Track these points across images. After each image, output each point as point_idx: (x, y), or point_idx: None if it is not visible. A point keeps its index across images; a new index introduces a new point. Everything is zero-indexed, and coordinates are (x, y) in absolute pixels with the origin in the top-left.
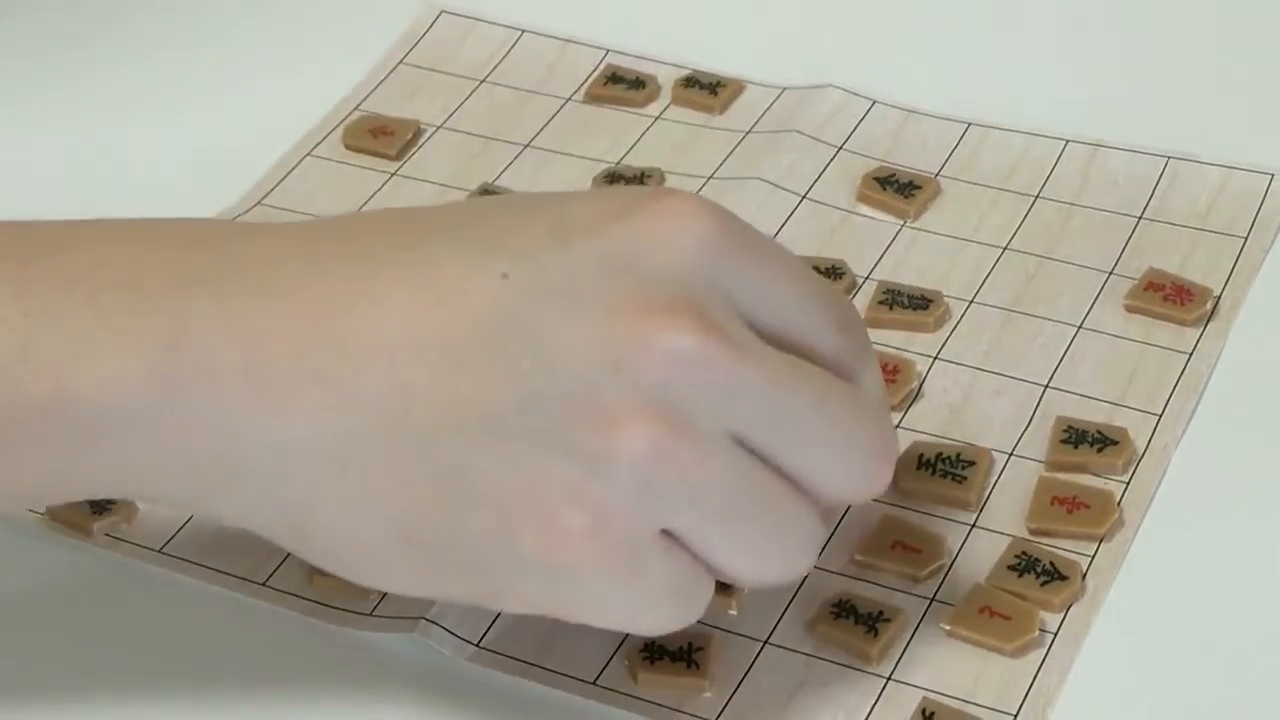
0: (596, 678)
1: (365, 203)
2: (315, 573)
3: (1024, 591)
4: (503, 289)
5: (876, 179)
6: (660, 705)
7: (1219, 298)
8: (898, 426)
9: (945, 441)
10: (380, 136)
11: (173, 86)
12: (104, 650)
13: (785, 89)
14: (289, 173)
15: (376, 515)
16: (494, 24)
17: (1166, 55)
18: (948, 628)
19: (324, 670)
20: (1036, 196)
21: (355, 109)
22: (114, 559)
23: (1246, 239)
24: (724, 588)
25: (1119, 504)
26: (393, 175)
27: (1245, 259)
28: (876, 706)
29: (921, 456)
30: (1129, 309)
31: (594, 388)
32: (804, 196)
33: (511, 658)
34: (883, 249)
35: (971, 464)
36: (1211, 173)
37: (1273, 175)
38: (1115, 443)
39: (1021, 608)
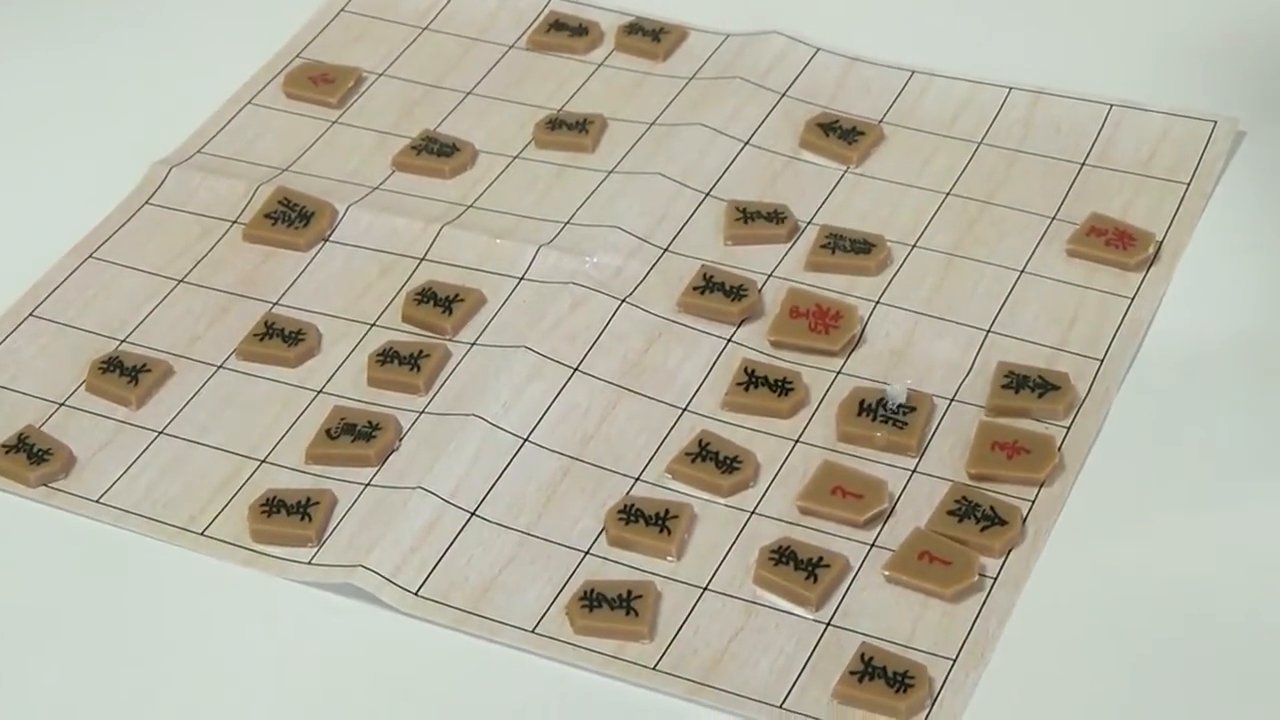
0: (535, 626)
1: (306, 150)
2: (254, 522)
3: (964, 536)
4: None
5: (820, 125)
6: (599, 653)
7: (1161, 243)
8: (840, 372)
9: (887, 387)
10: (321, 84)
11: (112, 36)
12: (42, 601)
13: (729, 35)
14: (229, 120)
15: None
16: None
17: (1110, 3)
18: (887, 573)
19: (262, 619)
20: (979, 143)
21: (296, 57)
22: (50, 510)
23: (1189, 185)
24: (663, 534)
25: (1060, 449)
26: (334, 123)
27: (1187, 205)
28: (816, 652)
29: (863, 402)
30: (1071, 254)
31: None
32: (746, 143)
33: (449, 606)
34: (825, 194)
35: (913, 409)
36: (1155, 120)
37: (1215, 122)
38: (1056, 388)
39: (961, 553)
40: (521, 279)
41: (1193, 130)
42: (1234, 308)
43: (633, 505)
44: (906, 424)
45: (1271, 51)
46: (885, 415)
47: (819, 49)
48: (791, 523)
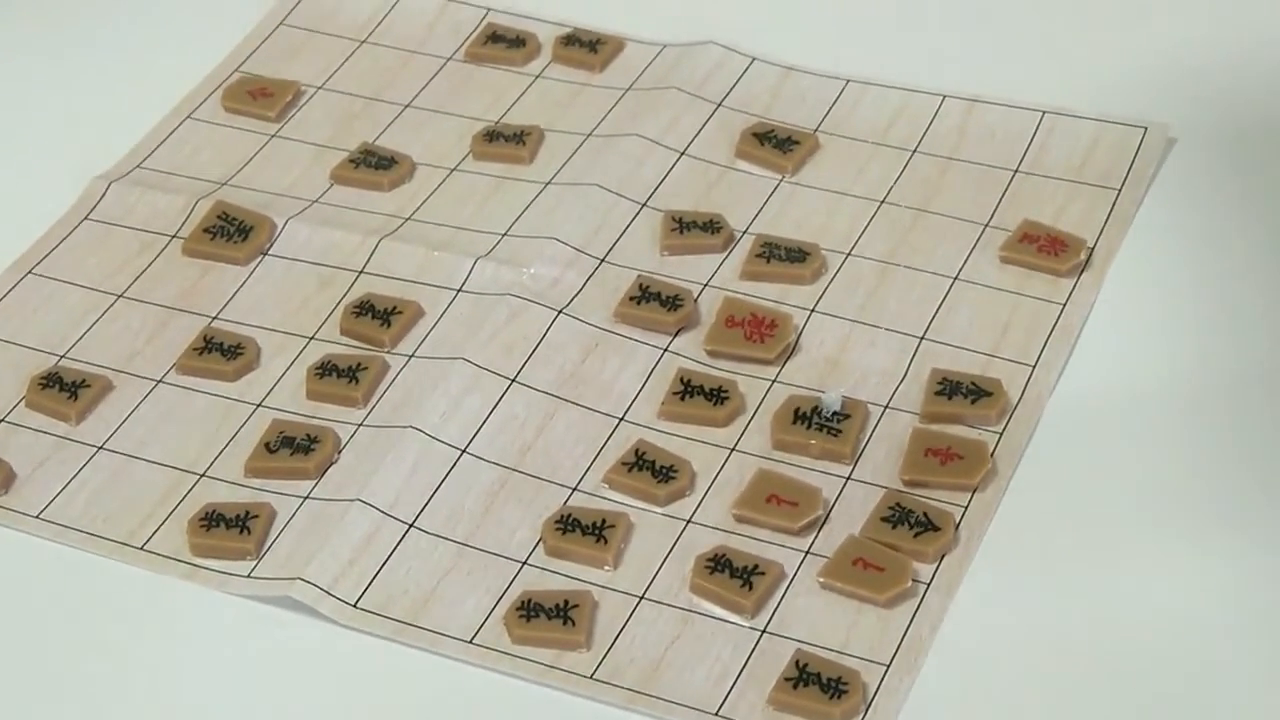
0: (473, 636)
1: (245, 164)
2: (194, 535)
3: (897, 542)
4: None
5: (755, 135)
6: (537, 663)
7: (1093, 249)
8: (775, 380)
9: (821, 394)
10: (260, 98)
11: (49, 50)
12: None
13: (665, 46)
14: (168, 135)
15: None
16: None
17: (1042, 8)
18: (822, 580)
19: (203, 633)
20: (914, 151)
21: (235, 71)
22: None
23: (1120, 191)
24: (600, 544)
25: (992, 454)
26: (272, 136)
27: (1119, 210)
28: (751, 659)
29: (798, 410)
30: (1004, 260)
31: None
32: (683, 153)
33: (388, 617)
34: (761, 203)
35: (847, 417)
36: (1086, 126)
37: (1146, 128)
38: (989, 394)
39: (895, 559)
40: (459, 291)
41: (1124, 136)
42: (1165, 313)
43: (570, 515)
44: (841, 431)
45: (1201, 56)
46: (820, 423)
47: (755, 58)
48: (728, 531)
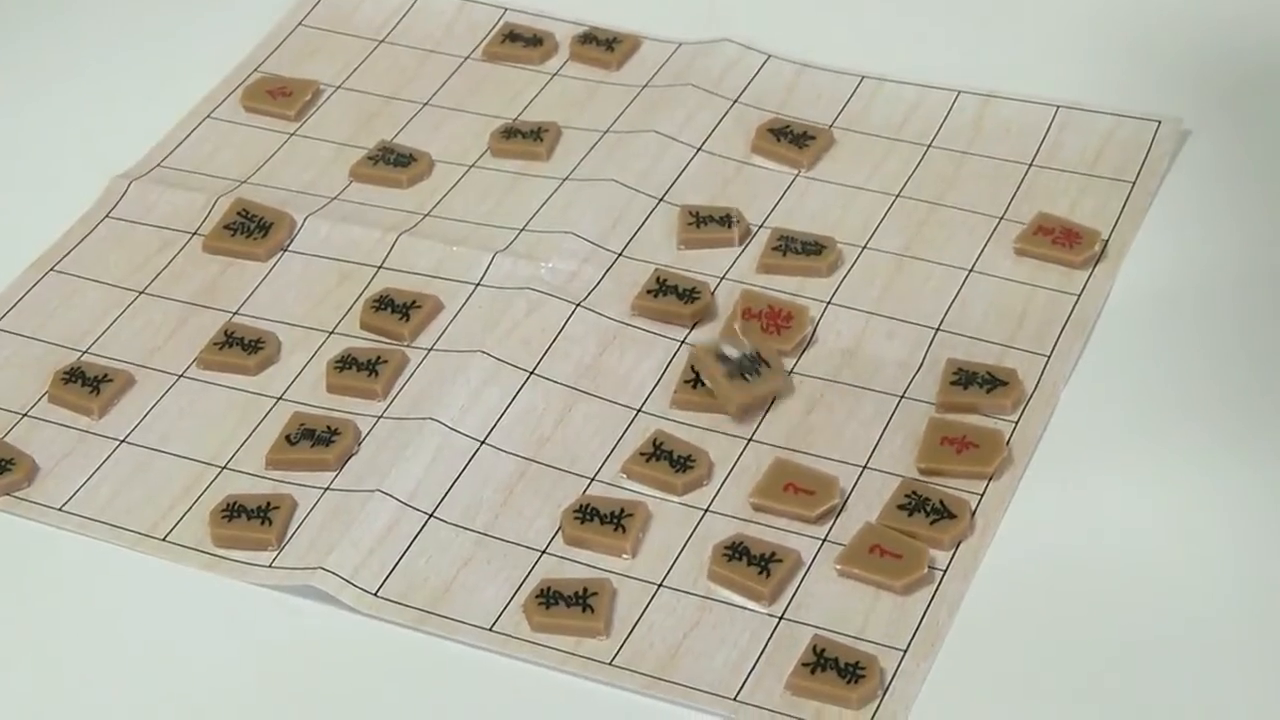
0: (493, 624)
1: (265, 162)
2: (215, 526)
3: (914, 530)
4: None
5: (771, 130)
6: (556, 650)
7: (1107, 241)
8: (791, 372)
9: (838, 385)
10: (279, 97)
11: (70, 51)
12: (7, 609)
13: (681, 44)
14: (189, 134)
15: None
16: None
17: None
18: (839, 567)
19: (225, 622)
20: (929, 146)
21: (254, 70)
22: (14, 519)
23: (1134, 184)
24: (618, 533)
25: (1008, 443)
26: (292, 135)
27: (1132, 203)
28: (769, 645)
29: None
30: (1019, 252)
31: None
32: (699, 148)
33: (408, 606)
34: (777, 198)
35: (760, 359)
36: (1101, 120)
37: (1160, 122)
38: (1004, 383)
39: (911, 546)
40: (478, 285)
41: (1138, 130)
42: (1178, 304)
43: (588, 505)
44: (759, 373)
45: (1215, 50)
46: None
47: (770, 55)
48: (745, 519)
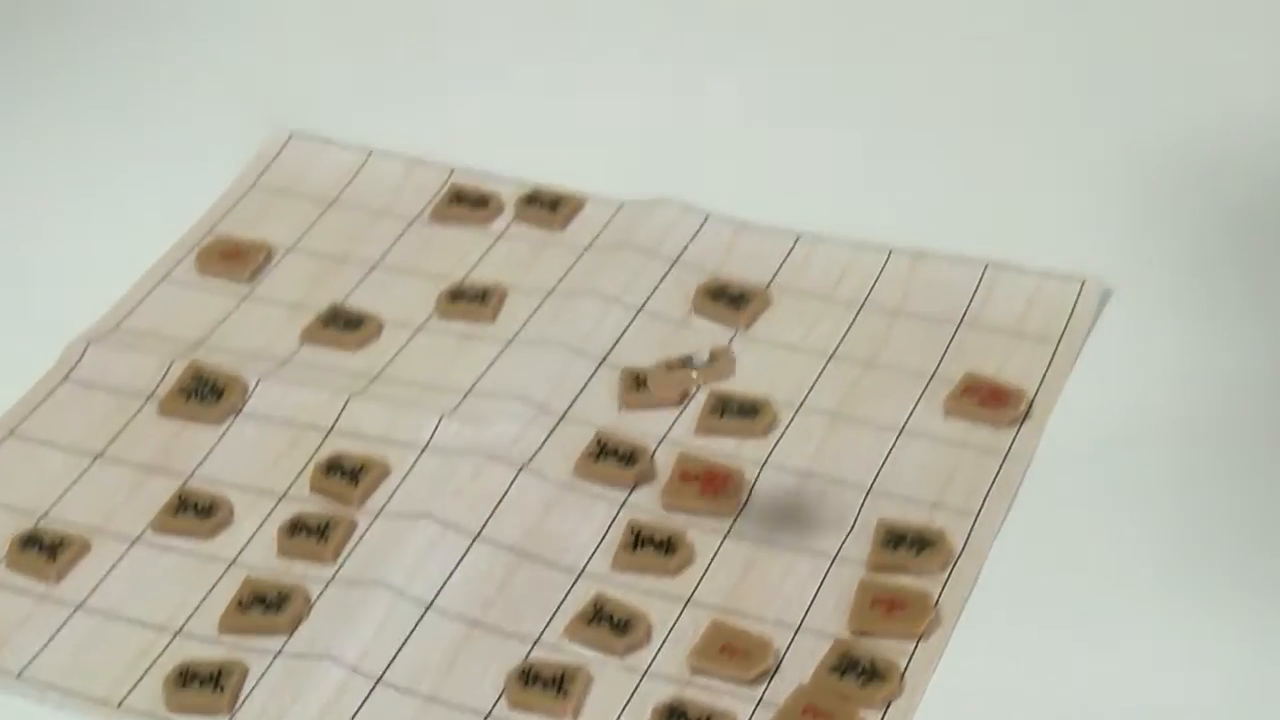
0: None
1: (219, 325)
2: (170, 693)
3: (845, 691)
4: None
5: (709, 291)
6: None
7: (1033, 400)
8: (728, 534)
9: (775, 546)
10: (233, 260)
11: (33, 209)
12: None
13: (624, 203)
14: (145, 297)
15: None
16: (343, 147)
17: (985, 162)
18: None
19: None
20: (861, 305)
21: (209, 232)
22: None
23: (1059, 343)
24: (561, 696)
25: (936, 604)
26: (245, 298)
27: (1057, 363)
28: None
29: None
30: (948, 412)
31: None
32: (640, 309)
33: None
34: None
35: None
36: (1027, 280)
37: (1083, 282)
38: (932, 544)
39: (843, 707)
40: (424, 448)
41: (1061, 289)
42: (1103, 462)
43: (531, 668)
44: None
45: (1137, 207)
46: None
47: (709, 215)
48: (684, 681)
